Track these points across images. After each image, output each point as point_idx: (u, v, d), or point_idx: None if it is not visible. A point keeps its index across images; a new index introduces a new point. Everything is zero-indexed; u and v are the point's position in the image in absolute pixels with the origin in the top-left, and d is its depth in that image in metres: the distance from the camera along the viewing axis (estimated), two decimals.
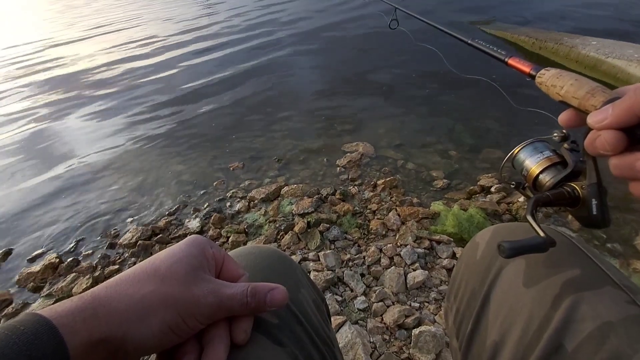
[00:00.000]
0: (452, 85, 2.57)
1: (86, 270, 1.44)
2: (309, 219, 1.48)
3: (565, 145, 0.38)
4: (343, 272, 1.25)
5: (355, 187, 1.70)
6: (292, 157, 2.00)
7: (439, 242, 1.33)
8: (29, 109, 3.34)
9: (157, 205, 1.79)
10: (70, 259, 1.50)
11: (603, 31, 3.04)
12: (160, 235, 1.56)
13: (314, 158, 1.97)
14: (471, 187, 1.61)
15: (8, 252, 1.62)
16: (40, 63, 4.98)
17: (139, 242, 1.51)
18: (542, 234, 0.33)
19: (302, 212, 1.53)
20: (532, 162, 0.41)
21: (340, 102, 2.58)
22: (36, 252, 1.58)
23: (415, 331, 1.00)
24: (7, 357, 0.21)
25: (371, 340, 1.02)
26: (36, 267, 1.47)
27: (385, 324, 1.07)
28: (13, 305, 1.34)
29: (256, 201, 1.68)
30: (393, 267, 1.24)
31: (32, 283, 1.42)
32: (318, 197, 1.62)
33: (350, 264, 1.29)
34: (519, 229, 0.43)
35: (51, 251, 1.58)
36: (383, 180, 1.67)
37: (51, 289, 1.37)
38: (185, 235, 1.50)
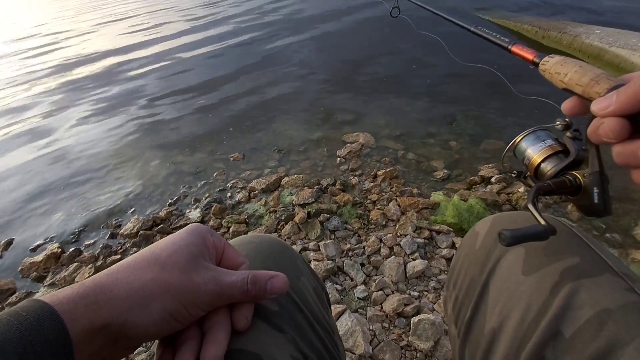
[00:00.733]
0: (453, 74, 2.55)
1: (88, 260, 1.45)
2: (309, 209, 1.49)
3: (568, 133, 0.38)
4: (343, 261, 1.26)
5: (356, 177, 1.70)
6: (292, 147, 2.00)
7: (438, 232, 1.34)
8: (27, 97, 3.32)
9: (158, 195, 1.79)
10: (72, 248, 1.51)
11: (607, 20, 3.00)
12: (162, 225, 1.57)
13: (314, 149, 1.96)
14: (471, 178, 1.60)
15: (9, 242, 1.63)
16: (36, 48, 4.92)
17: (140, 232, 1.52)
18: (542, 222, 0.33)
19: (302, 202, 1.54)
20: (534, 150, 0.40)
21: (341, 92, 2.56)
22: (38, 243, 1.59)
23: (415, 319, 1.01)
24: (9, 343, 0.21)
25: (371, 328, 1.03)
26: (38, 257, 1.48)
27: (384, 312, 1.08)
28: (17, 294, 1.35)
29: (256, 191, 1.68)
30: (393, 256, 1.25)
31: (35, 272, 1.43)
32: (318, 187, 1.62)
33: (350, 253, 1.30)
34: (519, 218, 0.43)
35: (53, 241, 1.59)
36: (383, 171, 1.67)
37: (54, 278, 1.39)
38: (186, 225, 1.50)
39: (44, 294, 1.38)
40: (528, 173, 0.42)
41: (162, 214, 1.63)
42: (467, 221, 1.36)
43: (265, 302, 0.35)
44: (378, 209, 1.49)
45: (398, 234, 1.35)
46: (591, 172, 0.34)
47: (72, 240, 1.59)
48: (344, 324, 1.01)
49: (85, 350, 0.25)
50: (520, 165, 0.43)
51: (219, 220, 1.54)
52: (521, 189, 1.48)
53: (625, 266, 0.35)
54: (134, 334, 0.27)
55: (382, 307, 1.10)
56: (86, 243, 1.56)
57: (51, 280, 1.38)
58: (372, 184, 1.64)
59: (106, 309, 0.26)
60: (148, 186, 1.86)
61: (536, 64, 0.40)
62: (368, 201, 1.55)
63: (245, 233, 1.49)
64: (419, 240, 1.30)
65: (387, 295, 1.13)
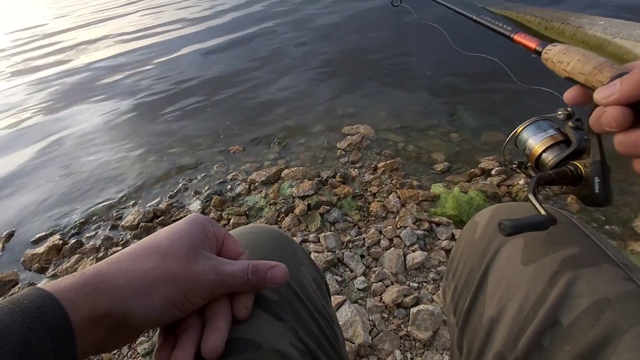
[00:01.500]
0: (455, 65, 2.52)
1: (90, 252, 1.46)
2: (309, 202, 1.49)
3: (570, 123, 0.38)
4: (343, 253, 1.26)
5: (356, 169, 1.70)
6: (292, 140, 1.99)
7: (438, 224, 1.34)
8: (28, 91, 3.30)
9: (159, 188, 1.79)
10: (74, 240, 1.51)
11: (613, 10, 2.96)
12: (162, 217, 1.57)
13: (315, 141, 1.96)
14: (472, 170, 1.60)
15: (11, 234, 1.64)
16: (34, 41, 4.88)
17: (141, 224, 1.53)
18: (543, 212, 0.33)
19: (302, 194, 1.54)
20: (535, 140, 0.40)
21: (341, 84, 2.54)
22: (39, 235, 1.60)
23: (414, 310, 1.02)
24: (11, 331, 0.21)
25: (370, 318, 1.04)
26: (40, 248, 1.49)
27: (384, 303, 1.09)
28: (19, 285, 1.36)
29: (257, 184, 1.68)
30: (392, 248, 1.25)
31: (37, 264, 1.44)
32: (318, 179, 1.62)
33: (350, 245, 1.30)
34: (518, 209, 0.43)
35: (54, 233, 1.60)
36: (383, 163, 1.67)
37: (56, 270, 1.40)
38: None
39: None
40: (529, 163, 0.42)
41: (163, 206, 1.63)
42: (467, 213, 1.37)
43: (265, 292, 0.35)
44: (378, 201, 1.49)
45: (398, 225, 1.36)
46: (592, 161, 0.34)
47: (74, 232, 1.60)
48: (344, 314, 1.02)
49: (87, 338, 0.25)
50: (521, 156, 0.43)
51: (220, 213, 1.55)
52: (521, 181, 1.48)
53: (624, 256, 0.35)
54: (136, 322, 0.27)
55: (381, 298, 1.11)
56: (87, 235, 1.57)
57: (53, 272, 1.39)
58: (372, 176, 1.63)
59: (107, 297, 0.26)
60: (148, 179, 1.86)
61: (539, 53, 0.39)
62: (368, 193, 1.55)
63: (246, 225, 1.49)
64: (419, 232, 1.31)
65: (387, 287, 1.14)
